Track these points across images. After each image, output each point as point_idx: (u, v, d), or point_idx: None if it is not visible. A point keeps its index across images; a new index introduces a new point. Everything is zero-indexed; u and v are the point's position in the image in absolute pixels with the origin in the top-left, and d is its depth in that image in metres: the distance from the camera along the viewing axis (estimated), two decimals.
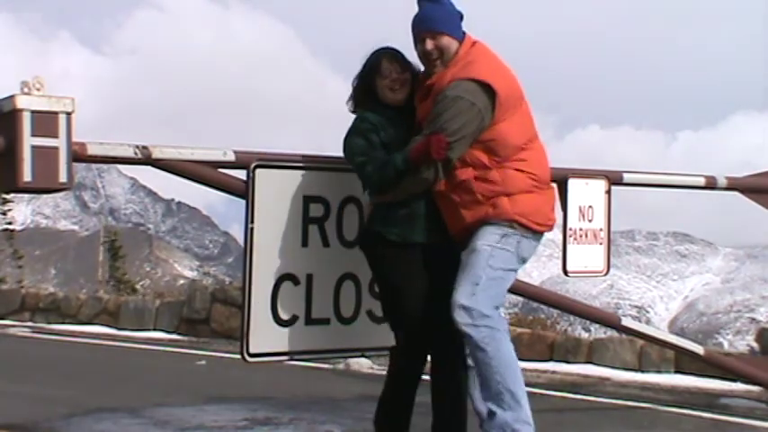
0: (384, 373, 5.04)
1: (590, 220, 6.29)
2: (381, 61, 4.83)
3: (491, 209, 4.66)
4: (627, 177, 6.52)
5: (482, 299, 4.58)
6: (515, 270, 4.79)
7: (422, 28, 4.79)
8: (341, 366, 9.01)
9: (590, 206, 6.28)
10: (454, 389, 4.78)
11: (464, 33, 4.83)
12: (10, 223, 17.51)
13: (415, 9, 4.83)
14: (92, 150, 4.63)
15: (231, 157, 4.96)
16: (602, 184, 6.36)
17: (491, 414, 4.59)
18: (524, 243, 4.73)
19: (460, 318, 4.56)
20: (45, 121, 4.36)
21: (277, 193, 4.91)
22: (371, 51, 4.89)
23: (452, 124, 4.56)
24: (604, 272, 6.48)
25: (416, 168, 4.58)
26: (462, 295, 4.58)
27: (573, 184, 6.21)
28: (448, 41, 4.76)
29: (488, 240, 4.66)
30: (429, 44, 4.74)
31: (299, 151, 5.07)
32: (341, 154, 4.85)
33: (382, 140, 4.73)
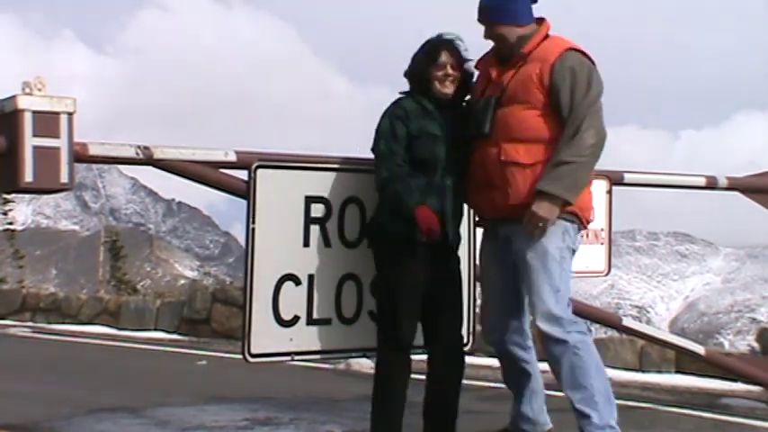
0: None
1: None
2: (441, 51, 4.75)
3: None
4: (628, 177, 6.52)
5: (565, 305, 4.68)
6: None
7: (478, 19, 4.82)
8: (341, 366, 8.99)
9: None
10: (455, 379, 4.88)
11: (532, 17, 4.79)
12: (11, 223, 17.51)
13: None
14: (93, 151, 4.63)
15: (232, 158, 4.96)
16: (603, 184, 6.36)
17: (586, 416, 4.67)
18: (576, 236, 4.82)
19: (550, 327, 4.64)
20: (46, 122, 4.36)
21: (278, 194, 4.90)
22: (435, 36, 4.80)
23: (593, 94, 4.63)
24: (605, 272, 6.49)
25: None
26: (549, 304, 4.64)
27: None
28: (506, 30, 4.74)
29: (555, 242, 4.69)
30: (486, 34, 4.77)
31: (300, 151, 5.07)
32: (342, 154, 4.83)
33: (410, 131, 4.71)
